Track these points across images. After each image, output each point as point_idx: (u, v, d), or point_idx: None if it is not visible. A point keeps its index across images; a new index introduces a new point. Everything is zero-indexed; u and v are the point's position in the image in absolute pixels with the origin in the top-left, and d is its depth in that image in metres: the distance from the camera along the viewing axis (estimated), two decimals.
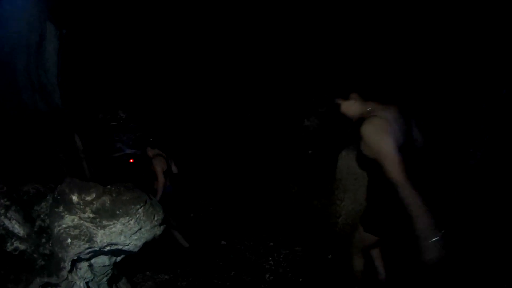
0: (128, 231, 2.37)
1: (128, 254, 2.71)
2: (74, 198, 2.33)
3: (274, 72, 7.80)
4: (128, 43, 8.20)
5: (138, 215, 2.39)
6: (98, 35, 7.38)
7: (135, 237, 2.44)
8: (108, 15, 7.32)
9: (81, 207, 2.33)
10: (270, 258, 4.90)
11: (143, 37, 8.29)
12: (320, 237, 5.10)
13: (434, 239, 2.24)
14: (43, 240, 2.56)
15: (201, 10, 8.16)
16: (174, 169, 5.40)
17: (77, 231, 2.34)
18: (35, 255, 2.51)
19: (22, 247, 2.52)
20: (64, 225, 2.36)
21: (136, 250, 2.55)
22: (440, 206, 2.57)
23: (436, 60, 5.14)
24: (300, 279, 4.36)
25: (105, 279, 2.86)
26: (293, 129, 6.48)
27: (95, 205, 2.33)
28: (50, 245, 2.53)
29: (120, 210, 2.33)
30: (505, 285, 3.42)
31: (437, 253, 2.24)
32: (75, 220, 2.35)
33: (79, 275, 2.61)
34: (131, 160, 6.80)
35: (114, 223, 2.32)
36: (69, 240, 2.35)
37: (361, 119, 2.60)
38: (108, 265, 2.77)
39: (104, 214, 2.32)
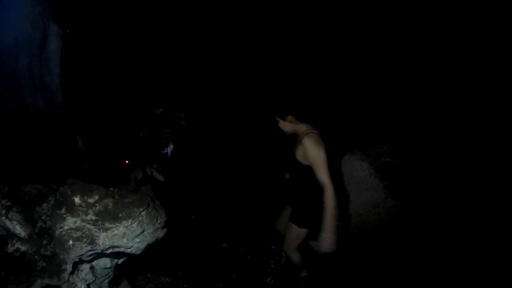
0: (130, 234, 2.35)
1: (130, 257, 2.68)
2: (77, 200, 2.31)
3: (276, 75, 7.79)
4: (132, 42, 8.19)
5: (141, 218, 2.36)
6: (102, 35, 7.37)
7: (138, 240, 2.42)
8: (112, 14, 7.31)
9: (84, 209, 2.31)
10: (272, 261, 4.88)
11: (147, 36, 8.28)
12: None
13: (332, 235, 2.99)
14: (44, 242, 2.55)
15: (204, 12, 8.16)
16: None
17: (79, 233, 2.32)
18: (36, 256, 2.50)
19: (23, 248, 2.51)
20: (66, 227, 2.34)
21: (138, 253, 2.53)
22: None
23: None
24: (302, 283, 4.33)
25: (106, 281, 2.84)
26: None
27: (97, 208, 2.31)
28: (52, 246, 2.52)
29: (123, 213, 2.31)
30: None
31: (332, 246, 3.04)
32: (77, 222, 2.33)
33: (81, 277, 2.59)
34: (127, 162, 6.80)
35: (116, 226, 2.30)
36: (70, 242, 2.33)
37: (295, 135, 3.39)
38: (110, 267, 2.75)
39: (107, 217, 2.30)
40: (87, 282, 2.63)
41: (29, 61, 4.99)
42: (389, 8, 5.58)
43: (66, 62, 5.41)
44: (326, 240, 3.05)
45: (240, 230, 5.89)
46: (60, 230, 2.36)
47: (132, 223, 2.33)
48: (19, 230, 2.53)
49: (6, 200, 2.54)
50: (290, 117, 3.34)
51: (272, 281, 4.47)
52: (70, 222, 2.33)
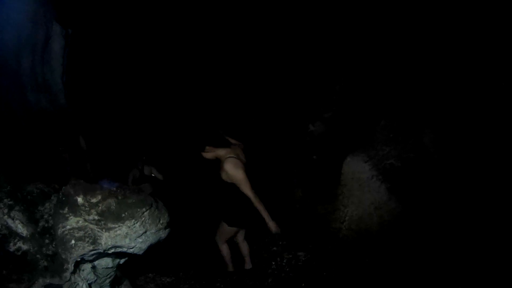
0: (133, 234, 2.35)
1: (132, 256, 2.69)
2: (79, 199, 2.32)
3: (279, 77, 7.80)
4: (134, 42, 8.21)
5: (143, 218, 2.37)
6: (104, 35, 7.39)
7: (140, 240, 2.42)
8: (114, 14, 7.32)
9: (86, 209, 2.32)
10: (273, 263, 4.86)
11: (149, 37, 8.30)
12: (323, 242, 5.07)
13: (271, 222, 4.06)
14: (47, 241, 2.55)
15: (207, 12, 8.17)
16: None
17: (81, 233, 2.32)
18: (38, 255, 2.50)
19: (25, 247, 2.51)
20: (68, 227, 2.34)
21: (141, 253, 2.53)
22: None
23: None
24: (303, 284, 4.33)
25: (108, 281, 2.84)
26: (298, 134, 6.47)
27: (100, 208, 2.31)
28: (54, 246, 2.52)
29: (126, 213, 2.31)
30: None
31: (276, 228, 4.18)
32: (80, 222, 2.33)
33: (82, 276, 2.59)
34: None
35: (119, 226, 2.30)
36: (73, 241, 2.33)
37: (218, 160, 4.00)
38: (112, 267, 2.75)
39: (110, 217, 2.30)
40: (88, 282, 2.63)
41: (32, 61, 5.00)
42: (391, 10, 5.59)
43: (69, 62, 5.43)
44: (270, 225, 4.14)
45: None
46: (63, 229, 2.36)
47: (135, 223, 2.33)
48: (21, 229, 2.53)
49: (9, 199, 2.54)
50: (208, 147, 3.96)
51: (273, 282, 4.46)
52: (73, 221, 2.34)
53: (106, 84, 7.85)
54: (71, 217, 2.34)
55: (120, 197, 2.35)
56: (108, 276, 2.82)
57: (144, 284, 4.37)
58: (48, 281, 2.44)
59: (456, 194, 4.63)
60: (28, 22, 4.91)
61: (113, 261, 2.72)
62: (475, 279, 3.81)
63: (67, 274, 2.45)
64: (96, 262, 2.66)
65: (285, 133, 7.18)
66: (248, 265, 4.75)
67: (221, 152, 3.92)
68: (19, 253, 2.49)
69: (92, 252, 2.40)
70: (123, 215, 2.31)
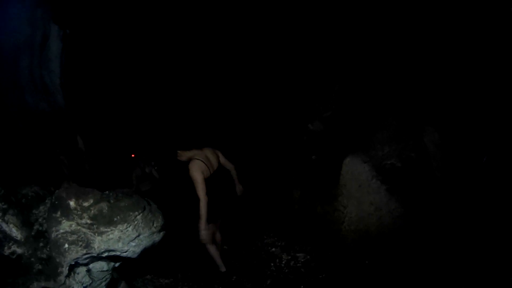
0: (126, 238, 2.34)
1: (127, 260, 2.67)
2: (72, 203, 2.30)
3: (278, 77, 7.77)
4: (132, 43, 8.20)
5: (136, 222, 2.35)
6: (102, 36, 7.37)
7: (134, 244, 2.40)
8: (112, 15, 7.31)
9: (79, 212, 2.30)
10: (272, 264, 4.85)
11: (147, 37, 8.28)
12: (322, 243, 5.05)
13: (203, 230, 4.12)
14: (41, 245, 2.54)
15: (204, 12, 8.15)
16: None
17: (74, 237, 2.31)
18: (32, 259, 2.49)
19: (19, 251, 2.50)
20: (61, 230, 2.33)
21: (135, 256, 2.51)
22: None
23: None
24: (302, 286, 4.31)
25: (103, 284, 2.82)
26: (297, 134, 6.45)
27: (92, 211, 2.29)
28: (48, 249, 2.50)
29: (118, 217, 2.29)
30: None
31: (204, 239, 4.20)
32: (73, 225, 2.31)
33: (77, 280, 2.58)
34: (132, 155, 6.98)
35: (111, 230, 2.29)
36: (66, 245, 2.32)
37: (189, 161, 4.22)
38: (107, 270, 2.73)
39: (102, 220, 2.28)
40: (83, 285, 2.61)
41: (29, 62, 4.99)
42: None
43: (66, 63, 5.41)
44: (202, 234, 4.15)
45: (241, 233, 5.88)
46: (56, 233, 2.35)
47: (127, 227, 2.31)
48: (15, 233, 2.52)
49: (3, 203, 2.53)
50: (179, 152, 4.30)
51: (272, 284, 4.44)
52: (66, 225, 2.32)
53: (104, 85, 7.84)
54: (64, 221, 2.32)
55: (112, 201, 2.34)
56: (104, 279, 2.80)
57: (142, 286, 4.35)
58: (42, 284, 2.43)
59: (457, 193, 4.61)
60: (26, 24, 4.90)
61: (108, 264, 2.70)
62: (476, 278, 3.78)
63: (62, 278, 2.43)
64: (91, 266, 2.64)
65: (284, 133, 7.16)
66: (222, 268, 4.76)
67: (190, 154, 4.25)
68: (14, 257, 2.48)
69: (86, 256, 2.38)
70: (116, 219, 2.29)
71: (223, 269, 4.62)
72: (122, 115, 8.23)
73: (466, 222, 4.39)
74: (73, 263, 2.43)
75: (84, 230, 2.29)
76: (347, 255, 4.74)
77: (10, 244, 2.49)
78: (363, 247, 4.73)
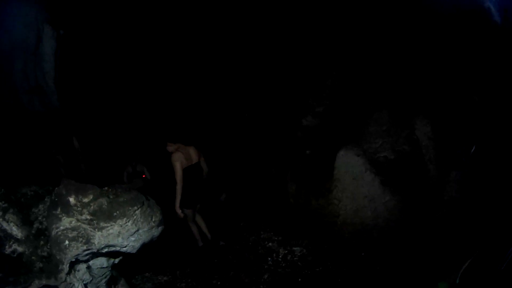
0: (125, 233, 2.37)
1: (126, 255, 2.70)
2: (71, 200, 2.33)
3: (271, 72, 7.79)
4: (127, 43, 8.19)
5: (135, 217, 2.38)
6: (96, 36, 7.36)
7: (133, 239, 2.44)
8: (106, 15, 7.30)
9: (78, 209, 2.33)
10: (269, 259, 4.89)
11: (141, 37, 8.27)
12: (319, 237, 5.10)
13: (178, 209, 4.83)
14: (41, 243, 2.56)
15: (196, 14, 8.16)
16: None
17: (74, 233, 2.34)
18: (33, 257, 2.51)
19: (20, 249, 2.52)
20: (61, 227, 2.36)
21: (134, 251, 2.55)
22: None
23: None
24: (299, 279, 4.36)
25: (103, 280, 2.86)
26: (291, 129, 6.48)
27: (92, 207, 2.33)
28: (48, 247, 2.53)
29: (117, 212, 2.33)
30: None
31: (179, 211, 4.83)
32: (73, 222, 2.35)
33: (78, 277, 2.61)
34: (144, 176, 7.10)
35: (111, 225, 2.32)
36: (67, 242, 2.35)
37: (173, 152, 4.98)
38: (107, 267, 2.77)
39: (101, 216, 2.32)
40: (84, 282, 2.64)
41: (24, 63, 5.00)
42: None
43: (61, 63, 5.42)
44: (177, 210, 4.82)
45: (237, 228, 5.91)
46: (56, 230, 2.38)
47: (126, 222, 2.35)
48: (16, 231, 2.54)
49: (3, 202, 2.55)
50: (168, 143, 5.01)
51: (270, 278, 4.48)
52: (66, 222, 2.35)
53: (100, 84, 7.83)
54: (64, 217, 2.35)
55: (111, 196, 2.37)
56: (104, 276, 2.84)
57: (141, 283, 4.39)
58: (44, 282, 2.45)
59: (448, 184, 4.67)
60: (19, 25, 4.90)
61: (107, 260, 2.73)
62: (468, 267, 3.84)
63: (63, 275, 2.46)
64: (91, 262, 2.67)
65: (278, 128, 7.18)
66: (208, 236, 5.42)
67: (175, 147, 4.98)
68: (15, 255, 2.50)
69: (86, 252, 2.42)
70: (115, 214, 2.32)
71: (200, 243, 5.31)
72: (116, 114, 8.22)
73: (459, 212, 4.45)
74: (74, 260, 2.46)
75: (84, 226, 2.33)
76: (343, 248, 4.79)
77: (11, 242, 2.51)
78: (359, 239, 4.78)
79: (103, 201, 2.33)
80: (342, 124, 5.53)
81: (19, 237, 2.54)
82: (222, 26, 8.30)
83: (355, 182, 4.80)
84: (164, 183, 5.95)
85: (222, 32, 8.37)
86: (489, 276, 3.06)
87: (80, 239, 2.33)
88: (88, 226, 2.33)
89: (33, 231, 2.59)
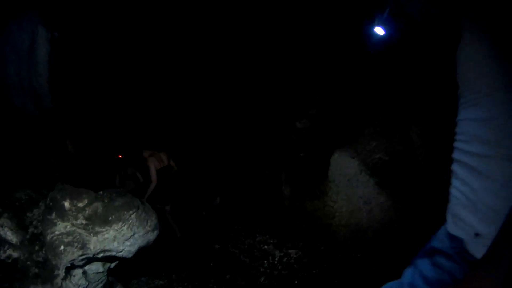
0: (121, 237, 2.36)
1: (122, 260, 2.69)
2: (66, 204, 2.32)
3: (266, 76, 7.80)
4: (121, 46, 8.16)
5: (131, 221, 2.37)
6: (90, 38, 7.33)
7: (129, 243, 2.43)
8: (100, 18, 7.27)
9: (74, 213, 2.32)
10: (265, 261, 4.89)
11: (135, 40, 8.25)
12: (315, 239, 5.10)
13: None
14: (36, 248, 2.54)
15: (188, 19, 8.16)
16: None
17: (70, 238, 2.32)
18: (28, 262, 2.49)
19: (15, 254, 2.50)
20: (57, 232, 2.34)
21: (130, 256, 2.53)
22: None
23: None
24: (296, 281, 4.36)
25: (99, 286, 2.84)
26: (285, 132, 6.50)
27: (87, 212, 2.32)
28: (44, 252, 2.51)
29: (113, 216, 2.32)
30: None
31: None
32: (68, 227, 2.33)
33: (73, 282, 2.59)
34: (120, 156, 7.01)
35: (106, 229, 2.31)
36: (62, 247, 2.34)
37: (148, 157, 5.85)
38: (102, 272, 2.75)
39: (97, 220, 2.31)
40: (80, 287, 2.63)
41: (17, 66, 4.96)
42: None
43: (55, 66, 5.38)
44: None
45: (233, 231, 5.91)
46: (52, 235, 2.36)
47: (122, 226, 2.34)
48: (10, 236, 2.52)
49: None
50: (145, 150, 5.94)
51: (266, 280, 4.48)
52: (61, 227, 2.34)
53: (94, 87, 7.80)
54: (59, 222, 2.34)
55: (106, 201, 2.36)
56: (100, 281, 2.82)
57: (137, 287, 4.37)
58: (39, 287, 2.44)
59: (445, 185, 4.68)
60: (14, 26, 4.87)
61: (103, 265, 2.72)
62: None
63: (58, 281, 2.44)
64: (86, 267, 2.65)
65: (272, 131, 7.19)
66: (178, 234, 6.02)
67: (150, 152, 5.93)
68: (10, 261, 2.48)
69: (82, 257, 2.40)
70: (110, 218, 2.31)
71: (178, 234, 5.96)
72: (108, 117, 8.21)
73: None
74: (69, 265, 2.44)
75: (79, 230, 2.31)
76: (339, 250, 4.80)
77: (6, 248, 2.49)
78: (355, 241, 4.79)
79: (98, 205, 2.32)
80: (336, 127, 5.54)
81: (13, 242, 2.52)
82: (219, 36, 8.34)
83: (350, 184, 4.81)
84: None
85: (220, 41, 8.41)
86: None
87: (76, 244, 2.32)
88: (84, 231, 2.31)
89: (28, 236, 2.57)
